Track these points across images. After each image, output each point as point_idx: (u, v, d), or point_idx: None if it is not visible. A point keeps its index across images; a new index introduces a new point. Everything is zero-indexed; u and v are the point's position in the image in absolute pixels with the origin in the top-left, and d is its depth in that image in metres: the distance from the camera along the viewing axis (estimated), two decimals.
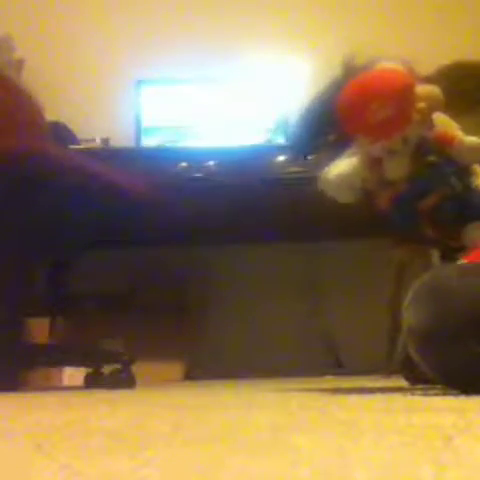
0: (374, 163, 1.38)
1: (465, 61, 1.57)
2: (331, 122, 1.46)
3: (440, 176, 1.36)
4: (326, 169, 1.43)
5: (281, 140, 2.77)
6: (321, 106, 1.50)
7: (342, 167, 1.41)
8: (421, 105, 1.32)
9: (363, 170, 1.39)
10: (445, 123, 1.38)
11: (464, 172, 1.38)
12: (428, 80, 1.44)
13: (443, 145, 1.35)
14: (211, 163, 2.43)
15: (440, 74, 1.53)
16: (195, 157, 2.46)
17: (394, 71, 1.34)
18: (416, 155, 1.36)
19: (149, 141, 2.82)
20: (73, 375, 2.48)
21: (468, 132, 1.40)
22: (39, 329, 2.37)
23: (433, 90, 1.37)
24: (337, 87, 1.43)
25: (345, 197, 1.43)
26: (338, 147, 1.46)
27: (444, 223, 1.37)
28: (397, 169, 1.36)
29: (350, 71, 1.44)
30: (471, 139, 1.35)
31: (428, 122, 1.36)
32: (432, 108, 1.35)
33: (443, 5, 3.12)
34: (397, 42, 2.94)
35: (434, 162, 1.35)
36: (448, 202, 1.36)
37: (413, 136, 1.35)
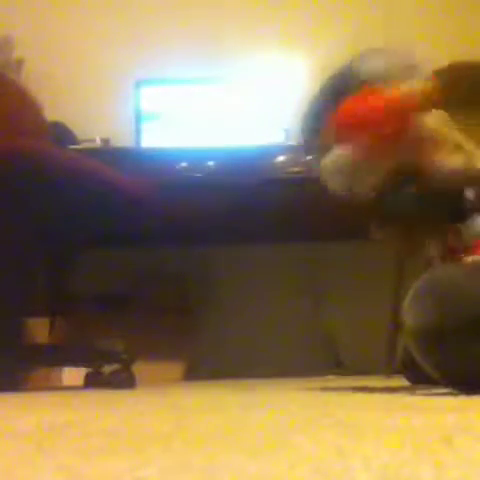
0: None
1: (460, 62, 1.57)
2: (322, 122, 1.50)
3: None
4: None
5: (281, 140, 2.77)
6: (317, 108, 1.53)
7: (337, 152, 1.48)
8: None
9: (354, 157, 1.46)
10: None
11: None
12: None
13: None
14: (211, 163, 2.43)
15: (436, 76, 1.53)
16: (195, 157, 2.46)
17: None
18: None
19: (149, 141, 2.82)
20: (73, 375, 2.48)
21: (464, 133, 1.42)
22: (39, 329, 2.37)
23: None
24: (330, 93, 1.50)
25: (335, 183, 1.48)
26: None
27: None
28: None
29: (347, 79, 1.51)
30: None
31: None
32: None
33: (441, 6, 3.12)
34: (396, 42, 2.94)
35: None
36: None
37: None
